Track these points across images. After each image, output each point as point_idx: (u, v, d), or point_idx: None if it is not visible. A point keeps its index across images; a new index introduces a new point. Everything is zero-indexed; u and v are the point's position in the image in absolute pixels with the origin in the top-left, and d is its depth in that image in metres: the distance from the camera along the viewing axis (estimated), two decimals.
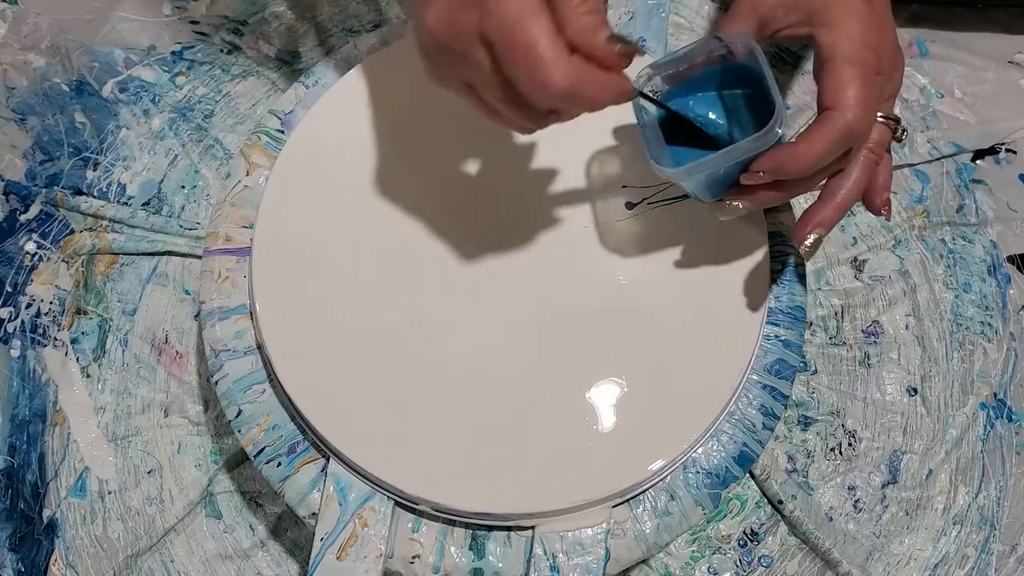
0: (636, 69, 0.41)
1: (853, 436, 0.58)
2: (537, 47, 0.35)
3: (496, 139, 0.53)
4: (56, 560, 0.55)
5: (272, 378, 0.49)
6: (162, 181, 0.63)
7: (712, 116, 0.45)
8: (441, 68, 0.38)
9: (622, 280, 0.50)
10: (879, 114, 0.41)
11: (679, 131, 0.44)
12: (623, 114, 0.53)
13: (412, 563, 0.46)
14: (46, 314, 0.60)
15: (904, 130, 0.42)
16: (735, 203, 0.43)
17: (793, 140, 0.39)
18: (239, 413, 0.49)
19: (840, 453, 0.57)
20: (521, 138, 0.53)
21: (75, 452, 0.57)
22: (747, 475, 0.56)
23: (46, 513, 0.56)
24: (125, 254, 0.62)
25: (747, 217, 0.51)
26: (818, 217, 0.41)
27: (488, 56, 0.36)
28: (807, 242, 0.41)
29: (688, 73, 0.44)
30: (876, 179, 0.42)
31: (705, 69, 0.44)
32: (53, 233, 0.62)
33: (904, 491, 0.56)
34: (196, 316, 0.60)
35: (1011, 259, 0.62)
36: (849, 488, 0.56)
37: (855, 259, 0.62)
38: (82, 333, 0.60)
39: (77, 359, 0.59)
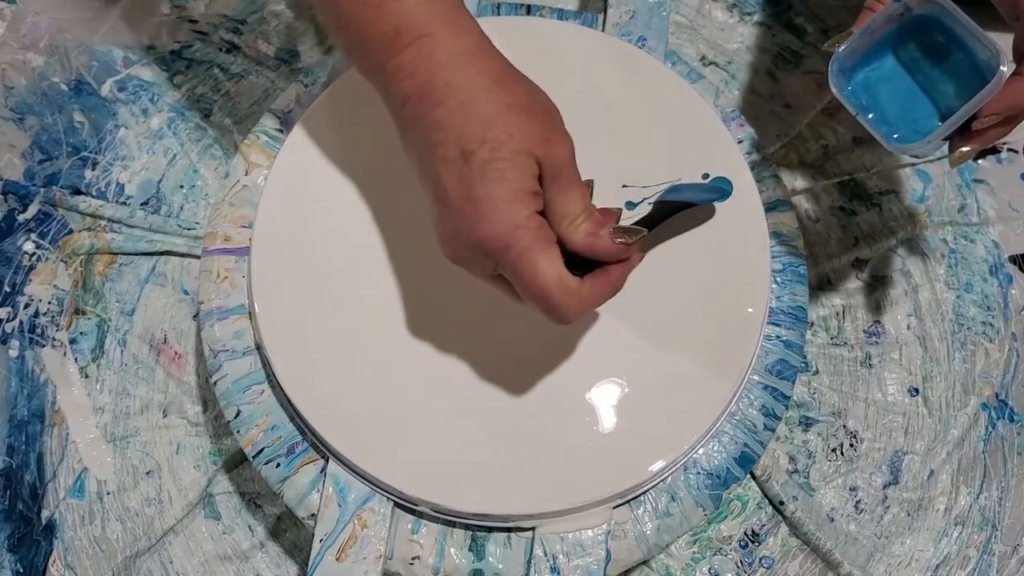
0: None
1: (854, 437, 0.58)
2: (550, 297, 0.39)
3: None
4: (55, 561, 0.55)
5: (271, 378, 0.49)
6: (161, 181, 0.63)
7: (904, 73, 0.45)
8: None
9: None
10: None
11: (879, 97, 0.45)
12: (622, 113, 0.53)
13: (412, 564, 0.46)
14: (44, 314, 0.60)
15: None
16: (966, 148, 0.43)
17: (1017, 73, 0.40)
18: (238, 414, 0.49)
19: (841, 454, 0.57)
20: None
21: (74, 453, 0.57)
22: (748, 476, 0.55)
23: (44, 514, 0.55)
24: (124, 254, 0.62)
25: (747, 217, 0.51)
26: None
27: (509, 286, 0.41)
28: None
29: (872, 41, 0.44)
30: None
31: (886, 31, 0.44)
32: (51, 233, 0.61)
33: (905, 492, 0.56)
34: (195, 316, 0.60)
35: (1013, 259, 0.62)
36: (850, 489, 0.56)
37: (856, 259, 0.61)
38: (80, 333, 0.60)
39: (75, 359, 0.59)
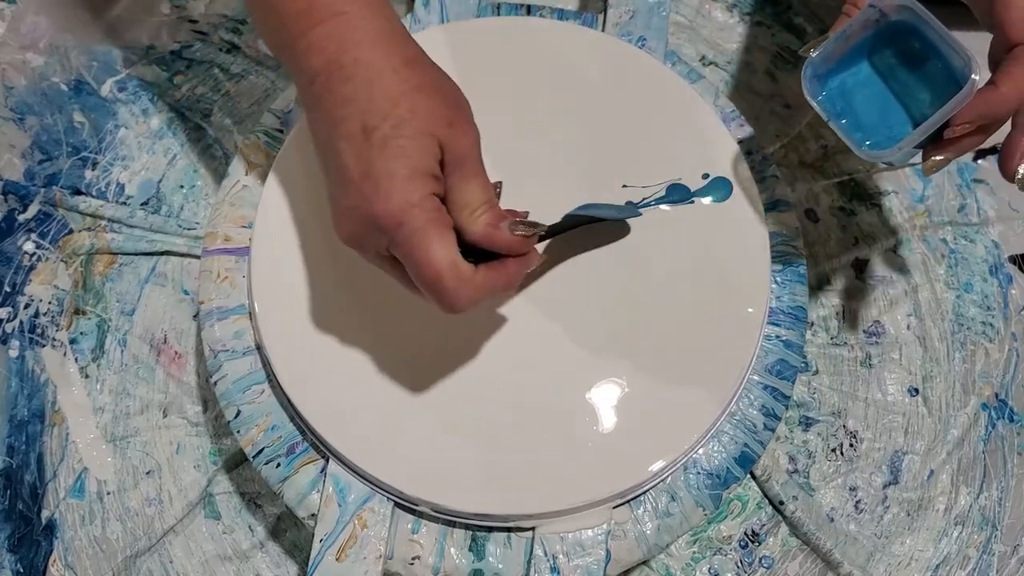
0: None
1: (854, 437, 0.58)
2: (441, 280, 0.38)
3: (496, 139, 0.53)
4: (55, 561, 0.55)
5: (271, 378, 0.49)
6: (161, 181, 0.63)
7: (879, 80, 0.45)
8: (357, 252, 0.42)
9: (622, 280, 0.49)
10: None
11: (854, 103, 0.44)
12: (622, 113, 0.53)
13: (412, 564, 0.46)
14: (45, 314, 0.60)
15: None
16: (939, 157, 0.42)
17: (991, 82, 0.39)
18: (238, 414, 0.49)
19: (841, 454, 0.57)
20: (521, 140, 0.53)
21: (74, 453, 0.57)
22: (748, 476, 0.55)
23: (45, 514, 0.55)
24: (124, 254, 0.62)
25: (747, 217, 0.51)
26: (1022, 146, 0.41)
27: (400, 267, 0.40)
28: (1019, 175, 0.41)
29: (847, 47, 0.44)
30: None
31: (861, 37, 0.44)
32: (52, 233, 0.61)
33: (905, 492, 0.56)
34: (195, 316, 0.60)
35: (1013, 259, 0.62)
36: (850, 489, 0.56)
37: (856, 259, 0.61)
38: (81, 333, 0.60)
39: (76, 359, 0.59)
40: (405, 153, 0.38)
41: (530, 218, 0.50)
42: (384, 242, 0.39)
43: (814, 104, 0.44)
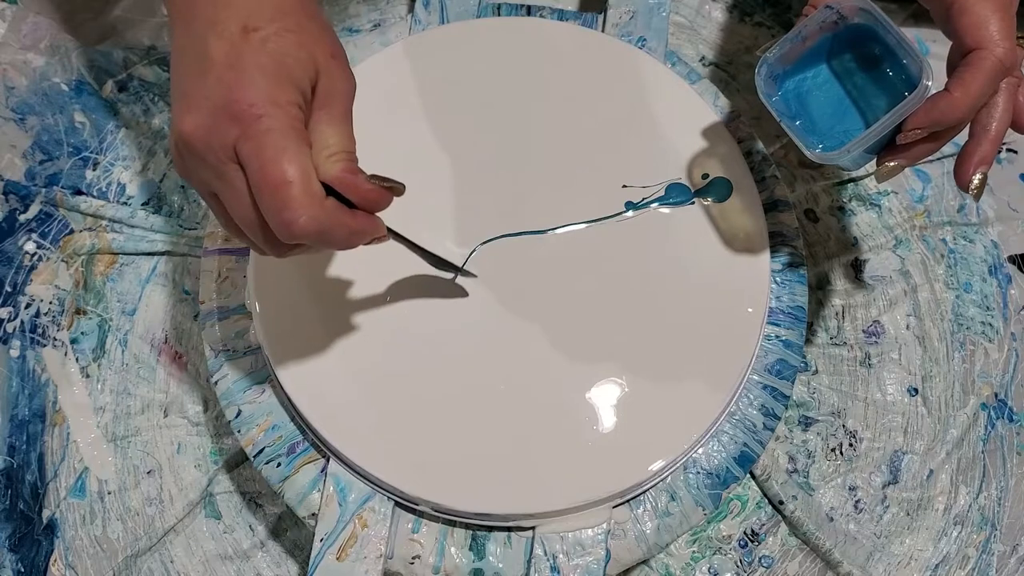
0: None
1: (854, 436, 0.58)
2: (289, 187, 0.34)
3: (497, 140, 0.53)
4: (56, 560, 0.55)
5: (272, 378, 0.49)
6: (161, 181, 0.63)
7: (836, 84, 0.44)
8: (190, 172, 0.37)
9: (622, 280, 0.49)
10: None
11: (809, 106, 0.44)
12: (622, 113, 0.53)
13: (412, 564, 0.46)
14: (46, 314, 0.60)
15: None
16: (892, 164, 0.42)
17: (945, 88, 0.39)
18: (239, 413, 0.49)
19: (841, 453, 0.57)
20: (522, 141, 0.53)
21: (74, 452, 0.57)
22: (748, 475, 0.55)
23: (45, 513, 0.56)
24: (125, 254, 0.62)
25: (747, 217, 0.51)
26: (978, 156, 0.40)
27: (241, 177, 0.35)
28: (973, 185, 0.41)
29: (804, 48, 0.44)
30: (1019, 101, 0.41)
31: (820, 39, 0.43)
32: (52, 233, 0.62)
33: (905, 491, 0.56)
34: (196, 316, 0.60)
35: (1012, 259, 0.62)
36: (850, 488, 0.56)
37: (856, 259, 0.61)
38: (82, 333, 0.60)
39: (77, 359, 0.59)
40: (282, 57, 0.35)
41: (530, 220, 0.50)
42: (232, 136, 0.34)
43: (768, 104, 0.43)
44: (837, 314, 0.61)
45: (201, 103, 0.35)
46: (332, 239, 0.36)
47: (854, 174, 0.63)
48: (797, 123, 0.43)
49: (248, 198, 0.35)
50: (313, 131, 0.36)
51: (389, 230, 0.40)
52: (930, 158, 0.63)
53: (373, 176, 0.37)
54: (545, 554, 0.45)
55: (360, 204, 0.37)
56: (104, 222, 0.62)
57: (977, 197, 0.41)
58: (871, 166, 0.45)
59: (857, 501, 0.56)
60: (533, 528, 0.46)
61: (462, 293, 0.48)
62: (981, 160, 0.40)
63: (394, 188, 0.38)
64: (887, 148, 0.42)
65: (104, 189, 0.63)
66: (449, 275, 0.48)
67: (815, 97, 0.44)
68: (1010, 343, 0.60)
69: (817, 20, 0.43)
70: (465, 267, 0.48)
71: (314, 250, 0.40)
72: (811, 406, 0.58)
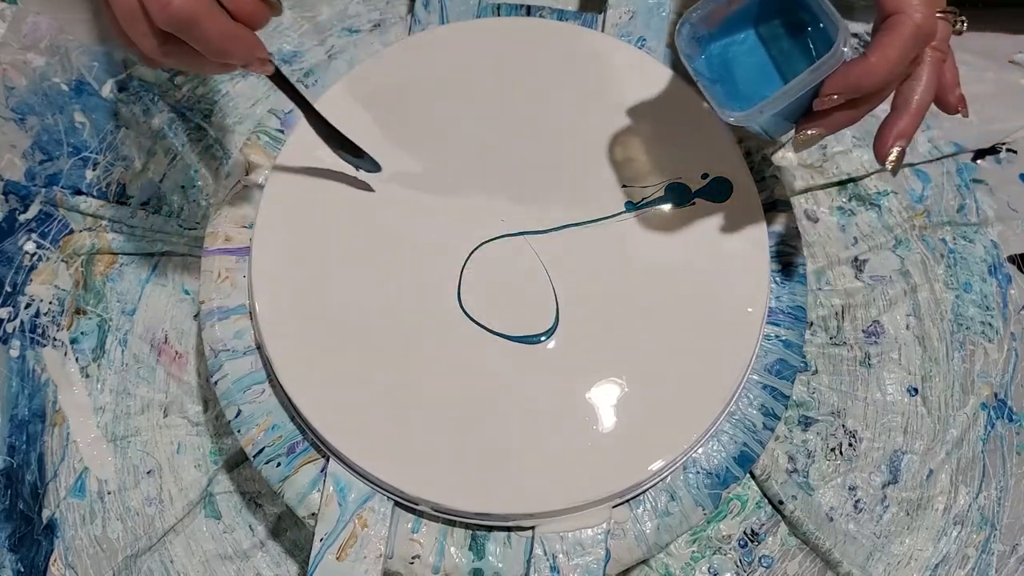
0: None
1: (853, 436, 0.58)
2: None
3: (497, 140, 0.53)
4: (55, 560, 0.55)
5: (272, 378, 0.49)
6: (161, 181, 0.63)
7: (762, 50, 0.43)
8: None
9: (622, 280, 0.50)
10: (937, 11, 0.39)
11: (734, 71, 0.43)
12: (622, 113, 0.53)
13: (412, 563, 0.46)
14: (45, 314, 0.60)
15: (963, 20, 0.40)
16: (811, 132, 0.41)
17: (863, 54, 0.38)
18: (239, 413, 0.49)
19: (840, 453, 0.57)
20: (522, 141, 0.53)
21: (74, 452, 0.57)
22: (747, 475, 0.55)
23: (45, 513, 0.56)
24: (124, 254, 0.62)
25: (747, 217, 0.51)
26: (897, 129, 0.40)
27: None
28: (891, 157, 0.40)
29: (729, 11, 0.43)
30: (944, 77, 0.40)
31: (747, 2, 0.42)
32: (52, 233, 0.62)
33: (905, 491, 0.56)
34: (196, 316, 0.60)
35: (1012, 259, 0.62)
36: (850, 488, 0.56)
37: (855, 259, 0.61)
38: (81, 333, 0.60)
39: (76, 359, 0.59)
40: None
41: (533, 221, 0.51)
42: None
43: (688, 66, 0.42)
44: (837, 314, 0.61)
45: None
46: (205, 35, 0.37)
47: (854, 174, 0.63)
48: (718, 86, 0.42)
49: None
50: None
51: (277, 72, 0.41)
52: (929, 158, 0.63)
53: None
54: (545, 554, 0.45)
55: (235, 13, 0.38)
56: (104, 222, 0.62)
57: (895, 171, 0.40)
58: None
59: (857, 501, 0.56)
60: (533, 528, 0.46)
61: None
62: (900, 134, 0.40)
63: (272, 5, 0.39)
64: (806, 116, 0.41)
65: (104, 189, 0.63)
66: (352, 168, 0.49)
67: (740, 62, 0.43)
68: (1010, 343, 0.60)
69: None
70: (370, 156, 0.48)
71: (192, 67, 0.40)
72: (811, 406, 0.58)
